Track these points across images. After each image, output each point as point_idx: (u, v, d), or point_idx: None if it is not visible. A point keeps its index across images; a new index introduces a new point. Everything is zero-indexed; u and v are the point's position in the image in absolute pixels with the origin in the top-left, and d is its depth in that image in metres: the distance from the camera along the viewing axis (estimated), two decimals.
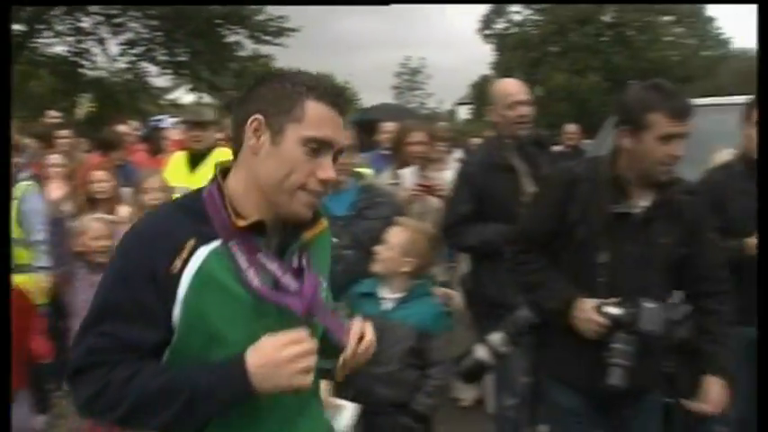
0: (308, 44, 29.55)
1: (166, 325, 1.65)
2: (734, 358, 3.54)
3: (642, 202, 2.85)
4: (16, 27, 18.27)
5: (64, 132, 7.12)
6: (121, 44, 22.29)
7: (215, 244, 1.67)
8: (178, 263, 1.63)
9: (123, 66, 22.74)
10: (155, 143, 8.69)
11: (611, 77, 32.82)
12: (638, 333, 2.76)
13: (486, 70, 37.33)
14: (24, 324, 3.71)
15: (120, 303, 1.65)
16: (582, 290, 2.85)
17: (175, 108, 20.08)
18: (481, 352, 3.11)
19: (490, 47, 38.33)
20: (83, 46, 21.85)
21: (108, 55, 22.27)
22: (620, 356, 2.75)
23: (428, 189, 4.72)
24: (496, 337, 3.09)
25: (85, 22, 21.53)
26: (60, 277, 4.50)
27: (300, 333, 1.64)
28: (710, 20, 38.43)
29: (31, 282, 4.79)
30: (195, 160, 4.92)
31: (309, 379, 1.64)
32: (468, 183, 4.08)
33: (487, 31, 38.46)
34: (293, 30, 22.61)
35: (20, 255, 4.98)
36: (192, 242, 1.65)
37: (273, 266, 1.71)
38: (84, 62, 21.98)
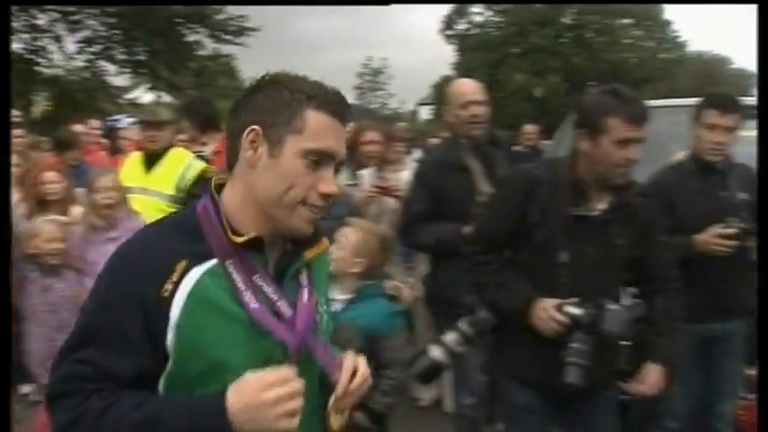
0: (269, 44, 29.37)
1: (158, 352, 1.54)
2: (685, 354, 3.63)
3: (600, 205, 2.90)
4: None
5: (18, 132, 6.99)
6: (79, 42, 21.98)
7: (210, 264, 1.57)
8: (169, 286, 1.54)
9: (81, 64, 22.42)
10: (112, 143, 8.57)
11: (571, 78, 33.19)
12: (597, 333, 2.81)
13: (447, 71, 37.47)
14: None
15: (101, 329, 1.55)
16: (540, 290, 2.89)
17: (134, 107, 19.82)
18: (436, 352, 3.12)
19: (452, 48, 38.53)
20: (38, 44, 21.49)
21: (65, 53, 21.96)
22: (577, 355, 2.80)
23: (385, 190, 4.72)
24: (451, 337, 3.10)
25: (41, 20, 21.18)
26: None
27: (287, 372, 1.52)
28: (668, 23, 39.03)
29: None
30: (151, 161, 4.87)
31: (295, 422, 1.51)
32: (424, 182, 4.09)
33: (449, 32, 38.62)
34: (253, 29, 22.50)
35: None
36: (183, 263, 1.55)
37: (270, 290, 1.62)
38: (40, 60, 21.62)
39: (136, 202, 4.57)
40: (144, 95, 23.71)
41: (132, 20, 21.16)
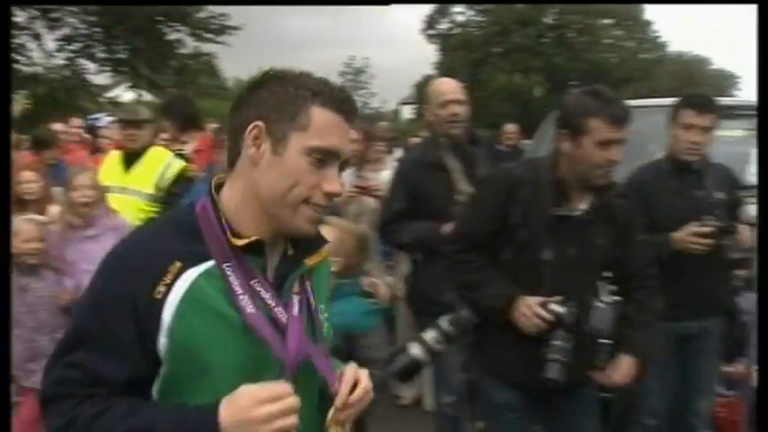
0: (251, 42, 29.29)
1: (150, 356, 1.49)
2: (662, 351, 3.67)
3: (581, 205, 2.93)
4: None
5: None
6: (58, 40, 21.83)
7: (207, 265, 1.52)
8: (162, 288, 1.48)
9: (60, 62, 22.27)
10: (92, 141, 8.52)
11: (553, 78, 33.37)
12: (580, 331, 2.84)
13: (429, 70, 37.53)
14: None
15: (93, 332, 1.51)
16: (522, 290, 2.90)
17: (114, 106, 19.73)
18: (415, 350, 3.13)
19: (434, 47, 38.60)
20: (18, 41, 21.30)
21: (44, 51, 21.79)
22: (558, 352, 2.82)
23: (364, 190, 4.71)
24: (431, 335, 3.11)
25: (20, 17, 21.00)
26: None
27: (283, 387, 1.46)
28: (648, 23, 39.31)
29: None
30: (130, 160, 4.84)
31: None
32: (403, 181, 4.10)
33: (431, 32, 38.71)
34: (235, 28, 22.45)
35: None
36: (177, 265, 1.50)
37: (267, 295, 1.56)
38: (19, 58, 21.44)
39: (115, 201, 4.54)
40: (125, 94, 23.59)
41: (112, 18, 21.04)
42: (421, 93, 37.07)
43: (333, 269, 3.35)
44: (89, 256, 4.02)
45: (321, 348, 1.66)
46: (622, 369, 3.00)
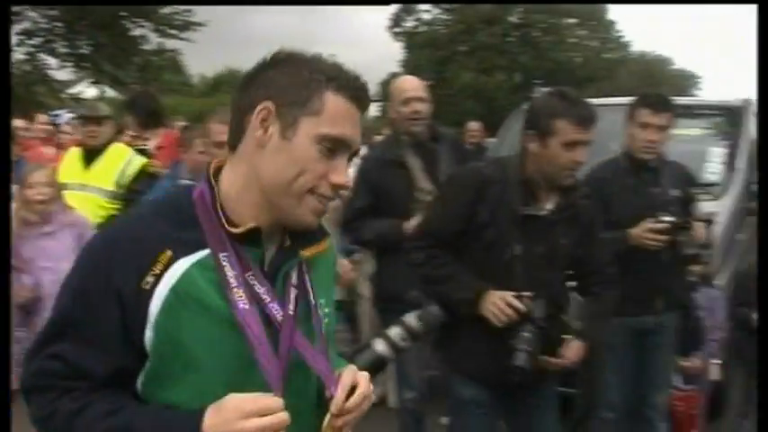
0: (216, 39, 29.08)
1: (135, 350, 1.42)
2: (619, 347, 3.73)
3: (548, 205, 2.97)
4: None
5: None
6: (18, 34, 21.46)
7: (200, 255, 1.43)
8: (150, 278, 1.40)
9: (21, 57, 21.91)
10: (52, 138, 8.40)
11: (518, 76, 33.61)
12: (546, 326, 2.88)
13: (395, 68, 37.56)
14: None
15: (76, 322, 1.43)
16: (490, 287, 2.93)
17: (77, 102, 19.47)
18: (380, 346, 3.14)
19: (400, 45, 38.65)
20: None
21: None
22: (526, 343, 2.85)
23: None
24: (395, 331, 3.11)
25: None
26: None
27: (273, 401, 1.37)
28: (611, 23, 39.76)
29: None
30: (90, 156, 4.80)
31: None
32: (365, 179, 4.11)
33: (397, 30, 38.74)
34: (199, 24, 22.29)
35: None
36: (168, 253, 1.41)
37: (262, 290, 1.46)
38: None
39: (75, 198, 4.50)
40: (87, 90, 23.32)
41: (74, 12, 20.76)
42: (386, 91, 37.06)
43: None
44: (46, 252, 3.99)
45: (319, 347, 1.55)
46: (571, 352, 3.03)
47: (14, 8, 20.62)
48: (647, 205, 3.62)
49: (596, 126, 2.91)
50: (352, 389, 1.53)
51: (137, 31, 22.31)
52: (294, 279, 1.54)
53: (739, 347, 4.47)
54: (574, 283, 3.19)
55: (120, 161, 4.76)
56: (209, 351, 1.42)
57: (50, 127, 8.87)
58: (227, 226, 1.45)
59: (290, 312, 1.49)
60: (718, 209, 4.90)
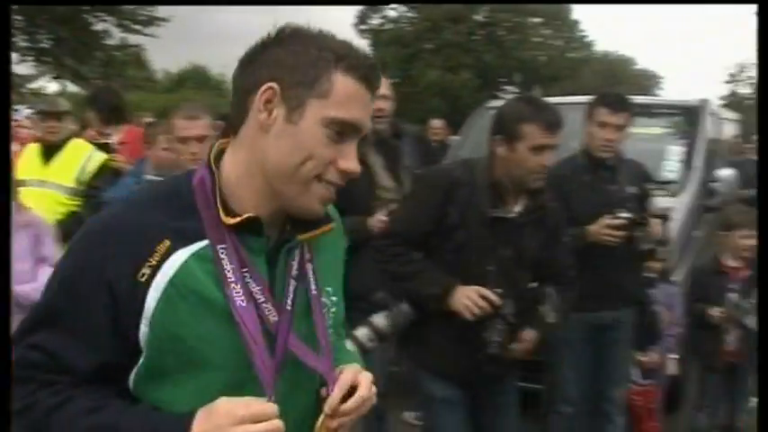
0: (180, 35, 28.85)
1: (126, 345, 1.34)
2: (577, 342, 3.79)
3: (516, 208, 3.02)
4: None
5: None
6: None
7: (199, 245, 1.35)
8: (147, 270, 1.32)
9: None
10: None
11: (483, 75, 33.80)
12: (515, 323, 2.94)
13: None
14: None
15: (62, 314, 1.35)
16: (458, 282, 2.95)
17: (37, 97, 19.18)
18: (347, 346, 3.14)
19: (365, 42, 38.60)
20: None
21: None
22: (497, 334, 2.92)
23: None
24: (362, 332, 3.12)
25: None
26: None
27: (266, 407, 1.30)
28: (575, 23, 40.14)
29: None
30: (49, 152, 4.73)
31: None
32: None
33: (363, 27, 38.73)
34: (163, 19, 22.06)
35: None
36: (166, 243, 1.33)
37: (257, 289, 1.38)
38: None
39: (34, 194, 4.43)
40: (48, 85, 22.96)
41: (35, 6, 20.42)
42: None
43: None
44: None
45: (321, 341, 1.46)
46: (525, 342, 3.06)
47: None
48: (604, 202, 3.68)
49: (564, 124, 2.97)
50: (353, 388, 1.45)
51: (99, 26, 22.00)
52: (294, 269, 1.45)
53: (695, 342, 4.57)
54: (535, 284, 3.23)
55: (81, 157, 4.70)
56: (208, 347, 1.35)
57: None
58: (223, 216, 1.37)
59: (288, 308, 1.42)
60: (675, 206, 4.99)
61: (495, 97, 25.16)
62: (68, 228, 4.38)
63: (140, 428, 1.31)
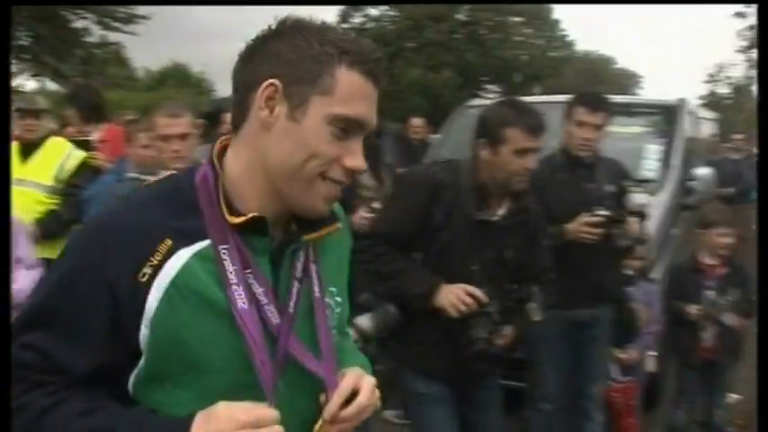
0: (161, 33, 28.68)
1: (124, 347, 1.29)
2: (555, 340, 3.82)
3: (500, 211, 3.05)
4: None
5: None
6: None
7: (201, 245, 1.32)
8: (148, 270, 1.28)
9: None
10: None
11: (464, 74, 33.88)
12: (496, 321, 2.96)
13: None
14: None
15: (57, 313, 1.30)
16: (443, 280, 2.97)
17: (16, 95, 18.99)
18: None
19: None
20: None
21: None
22: (483, 330, 2.94)
23: None
24: None
25: None
26: None
27: (267, 412, 1.27)
28: (556, 22, 40.30)
29: None
30: (27, 151, 4.69)
31: None
32: None
33: (345, 25, 38.66)
34: (144, 17, 21.93)
35: None
36: (168, 243, 1.29)
37: (260, 291, 1.34)
38: None
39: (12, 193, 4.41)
40: (27, 83, 22.76)
41: (13, 2, 20.24)
42: None
43: None
44: None
45: (324, 344, 1.43)
46: (506, 338, 3.08)
47: None
48: (582, 200, 3.71)
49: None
50: (354, 393, 1.41)
51: (78, 24, 21.82)
52: (299, 270, 1.42)
53: (673, 339, 4.61)
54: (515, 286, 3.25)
55: (59, 155, 4.68)
56: (209, 349, 1.31)
57: None
58: (227, 215, 1.33)
59: (290, 310, 1.38)
60: (654, 204, 5.03)
61: (477, 96, 25.28)
62: (47, 226, 4.37)
63: (135, 430, 1.27)
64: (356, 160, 1.34)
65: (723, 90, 36.65)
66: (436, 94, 32.13)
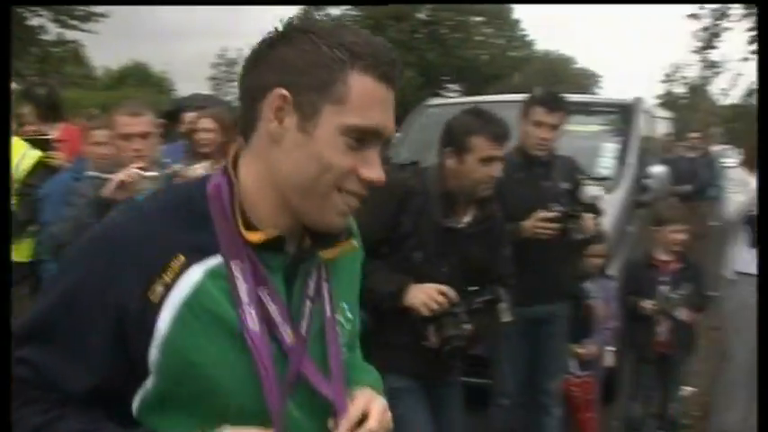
0: (120, 31, 28.34)
1: (129, 367, 1.22)
2: (513, 337, 3.86)
3: (465, 218, 3.09)
4: None
5: None
6: None
7: (213, 262, 1.23)
8: (160, 288, 1.19)
9: None
10: None
11: (425, 73, 33.99)
12: (465, 321, 2.96)
13: None
14: None
15: (57, 328, 1.23)
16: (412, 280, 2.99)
17: None
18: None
19: None
20: None
21: None
22: (452, 328, 2.93)
23: None
24: None
25: None
26: None
27: None
28: (517, 22, 40.65)
29: None
30: None
31: None
32: None
33: None
34: (102, 15, 21.66)
35: None
36: (181, 259, 1.21)
37: (274, 309, 1.27)
38: None
39: None
40: None
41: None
42: None
43: None
44: None
45: (334, 365, 1.36)
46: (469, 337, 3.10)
47: None
48: (538, 198, 3.75)
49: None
50: (364, 416, 1.36)
51: (34, 21, 21.48)
52: (311, 289, 1.35)
53: (629, 334, 4.69)
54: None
55: (14, 155, 4.61)
56: (221, 372, 1.23)
57: None
58: (244, 232, 1.25)
59: (303, 332, 1.31)
60: (610, 202, 5.11)
61: (437, 95, 25.38)
62: None
63: None
64: (373, 171, 1.27)
65: (679, 90, 37.24)
66: (398, 93, 32.20)
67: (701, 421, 5.04)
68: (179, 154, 4.75)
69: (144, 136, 3.40)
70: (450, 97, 25.67)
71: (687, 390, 5.05)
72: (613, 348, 4.73)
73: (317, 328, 1.35)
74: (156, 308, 1.19)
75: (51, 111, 5.40)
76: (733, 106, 29.37)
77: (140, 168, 3.24)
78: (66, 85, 20.70)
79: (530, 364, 3.96)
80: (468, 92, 31.66)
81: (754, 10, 18.70)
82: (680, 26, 37.96)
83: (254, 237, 1.25)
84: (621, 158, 5.87)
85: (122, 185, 3.19)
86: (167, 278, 1.20)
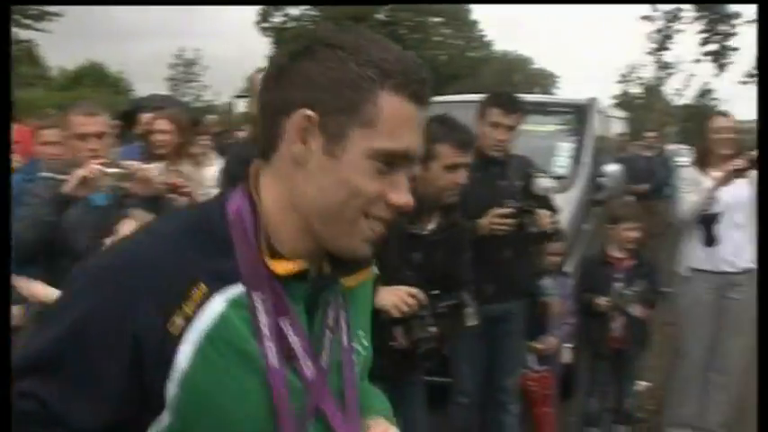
0: (75, 31, 27.93)
1: (142, 402, 1.13)
2: (469, 335, 3.89)
3: (430, 225, 3.13)
4: None
5: None
6: None
7: (235, 291, 1.15)
8: (179, 320, 1.10)
9: None
10: None
11: None
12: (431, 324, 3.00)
13: (264, 63, 37.20)
14: None
15: (65, 361, 1.12)
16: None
17: None
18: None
19: (268, 40, 38.34)
20: None
21: None
22: (419, 331, 2.97)
23: (173, 187, 4.05)
24: None
25: None
26: None
27: None
28: (475, 23, 40.96)
29: None
30: None
31: None
32: (230, 177, 4.08)
33: (265, 24, 38.43)
34: (56, 15, 21.37)
35: None
36: (203, 288, 1.12)
37: (296, 340, 1.19)
38: None
39: None
40: None
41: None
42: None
43: None
44: None
45: (349, 396, 1.30)
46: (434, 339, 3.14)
47: None
48: (494, 196, 3.78)
49: (464, 120, 3.08)
50: None
51: None
52: (330, 318, 1.27)
53: (585, 331, 4.77)
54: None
55: None
56: (242, 409, 1.15)
57: None
58: (269, 261, 1.17)
59: (324, 365, 1.24)
60: (565, 200, 5.18)
61: None
62: None
63: None
64: (402, 196, 1.20)
65: (635, 90, 37.84)
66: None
67: (655, 415, 5.14)
68: (135, 155, 4.70)
69: (99, 136, 3.37)
70: None
71: (642, 384, 5.14)
72: (571, 345, 4.79)
73: (336, 360, 1.29)
74: (175, 340, 1.10)
75: None
76: (686, 106, 29.95)
77: (102, 164, 3.20)
78: (21, 85, 20.33)
79: (487, 363, 4.00)
80: None
81: (706, 12, 19.12)
82: (635, 28, 38.60)
83: (281, 268, 1.17)
84: (576, 158, 5.95)
85: (84, 182, 3.16)
86: (188, 309, 1.11)
